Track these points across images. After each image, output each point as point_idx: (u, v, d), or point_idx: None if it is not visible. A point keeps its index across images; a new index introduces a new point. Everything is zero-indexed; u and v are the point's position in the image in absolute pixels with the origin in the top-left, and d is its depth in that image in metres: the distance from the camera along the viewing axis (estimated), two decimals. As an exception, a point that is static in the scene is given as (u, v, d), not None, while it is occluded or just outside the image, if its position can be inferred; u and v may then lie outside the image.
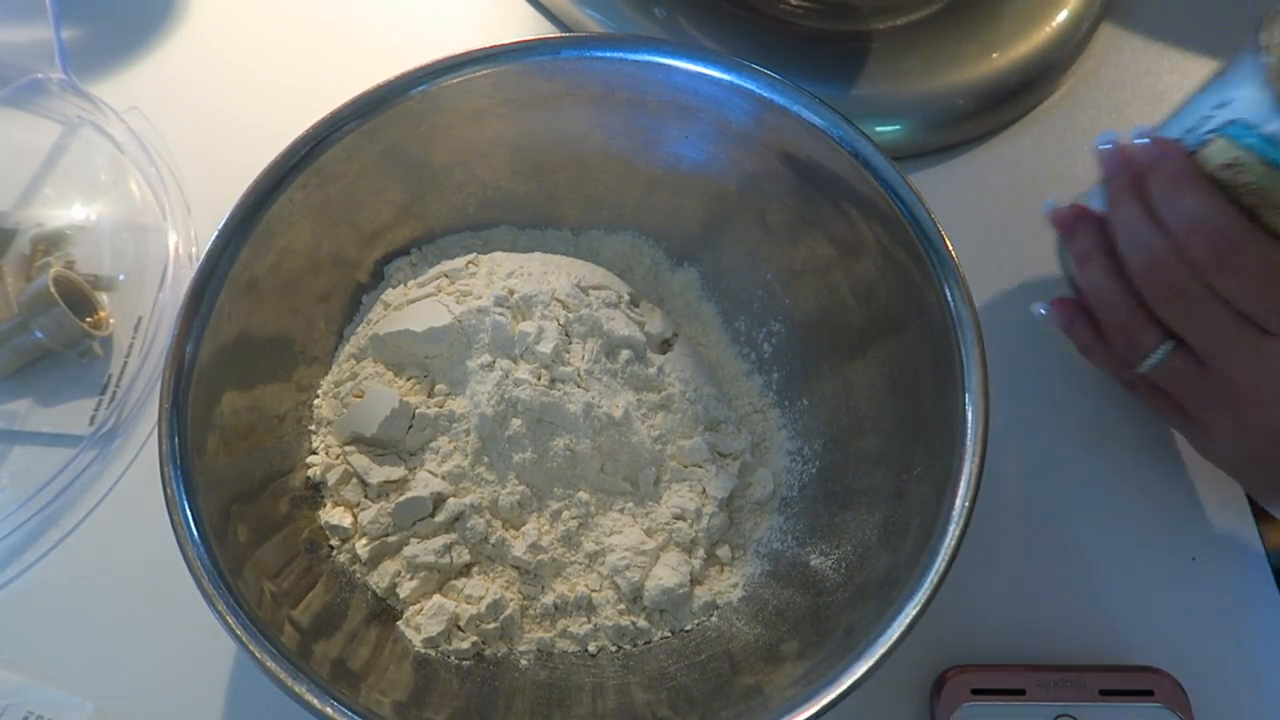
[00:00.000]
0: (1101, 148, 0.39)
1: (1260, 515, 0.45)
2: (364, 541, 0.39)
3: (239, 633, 0.32)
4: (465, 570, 0.39)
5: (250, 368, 0.40)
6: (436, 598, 0.39)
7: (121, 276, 0.48)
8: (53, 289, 0.44)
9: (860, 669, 0.32)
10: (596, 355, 0.41)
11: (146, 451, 0.45)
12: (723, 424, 0.44)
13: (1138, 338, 0.38)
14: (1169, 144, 0.37)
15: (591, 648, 0.39)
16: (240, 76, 0.55)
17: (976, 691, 0.39)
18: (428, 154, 0.43)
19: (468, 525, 0.39)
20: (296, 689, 0.32)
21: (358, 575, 0.39)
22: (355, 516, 0.40)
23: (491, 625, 0.38)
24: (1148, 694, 0.39)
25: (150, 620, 0.42)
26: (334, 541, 0.40)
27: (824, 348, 0.43)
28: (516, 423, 0.39)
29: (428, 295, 0.42)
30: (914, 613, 0.33)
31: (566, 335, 0.41)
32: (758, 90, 0.41)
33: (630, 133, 0.44)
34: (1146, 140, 0.38)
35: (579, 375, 0.40)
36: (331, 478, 0.40)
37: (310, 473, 0.41)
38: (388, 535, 0.39)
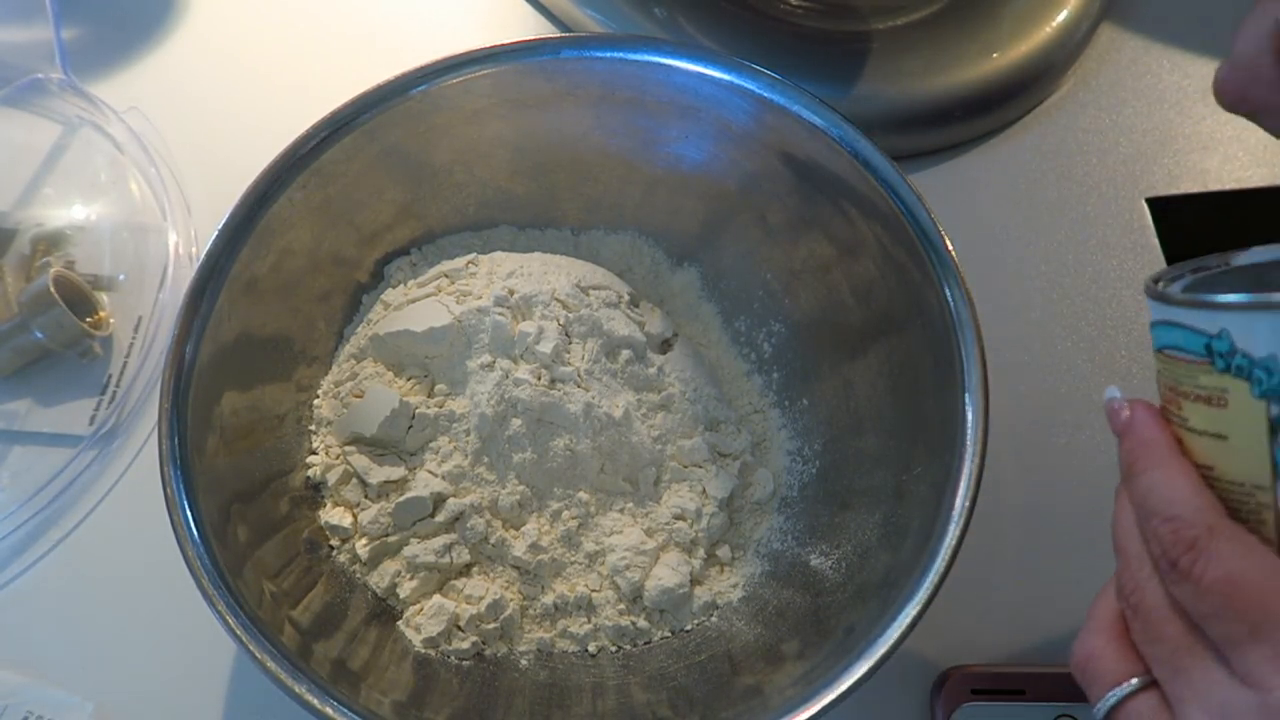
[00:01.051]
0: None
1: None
2: (364, 541, 0.39)
3: (239, 633, 0.32)
4: (465, 570, 0.39)
5: (250, 368, 0.40)
6: (436, 598, 0.39)
7: (121, 276, 0.48)
8: (53, 289, 0.44)
9: (860, 669, 0.32)
10: (596, 355, 0.41)
11: (146, 451, 0.45)
12: (723, 424, 0.44)
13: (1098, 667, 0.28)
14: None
15: (591, 648, 0.39)
16: (240, 76, 0.55)
17: (976, 692, 0.39)
18: (428, 154, 0.43)
19: (468, 525, 0.39)
20: (296, 689, 0.32)
21: (358, 575, 0.39)
22: (355, 516, 0.40)
23: (491, 625, 0.38)
24: (1148, 694, 0.39)
25: (150, 620, 0.42)
26: (334, 541, 0.40)
27: (824, 348, 0.43)
28: (516, 423, 0.39)
29: (428, 295, 0.42)
30: (914, 613, 0.33)
31: (566, 335, 0.41)
32: (758, 90, 0.41)
33: (630, 133, 0.44)
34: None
35: (579, 375, 0.40)
36: (331, 478, 0.40)
37: (310, 473, 0.41)
38: (388, 535, 0.39)
